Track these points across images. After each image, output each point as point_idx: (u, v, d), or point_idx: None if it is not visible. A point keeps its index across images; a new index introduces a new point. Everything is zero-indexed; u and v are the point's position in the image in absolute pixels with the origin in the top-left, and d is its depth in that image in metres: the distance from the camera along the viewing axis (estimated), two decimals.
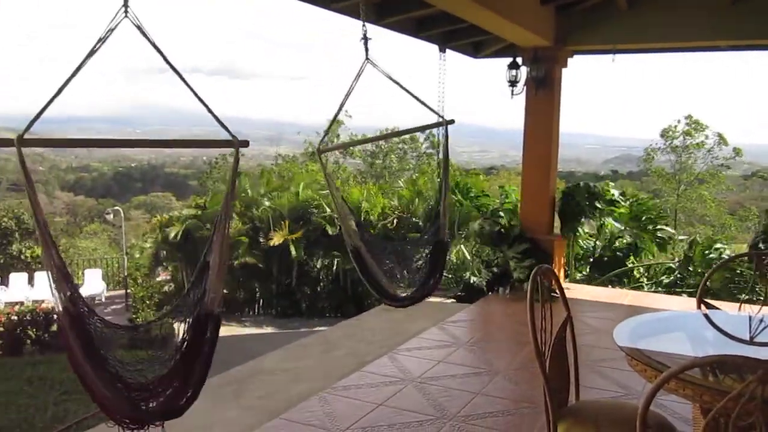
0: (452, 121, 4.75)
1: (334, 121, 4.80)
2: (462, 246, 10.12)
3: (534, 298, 2.86)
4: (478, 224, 8.34)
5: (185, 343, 2.71)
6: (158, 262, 20.82)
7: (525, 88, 8.13)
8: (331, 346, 6.03)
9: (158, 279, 21.62)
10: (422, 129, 5.65)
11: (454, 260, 10.69)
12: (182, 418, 4.33)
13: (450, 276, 9.45)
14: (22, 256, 21.91)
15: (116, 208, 26.28)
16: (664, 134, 34.25)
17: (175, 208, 19.41)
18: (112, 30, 2.62)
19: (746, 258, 6.70)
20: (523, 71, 8.12)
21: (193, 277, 2.80)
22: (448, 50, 8.28)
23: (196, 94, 2.78)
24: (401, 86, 4.58)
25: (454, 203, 10.84)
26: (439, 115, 4.75)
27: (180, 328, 2.71)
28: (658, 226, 9.39)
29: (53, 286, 2.48)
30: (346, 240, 4.51)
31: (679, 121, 34.11)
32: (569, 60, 8.23)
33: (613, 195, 9.28)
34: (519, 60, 8.14)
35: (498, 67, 8.59)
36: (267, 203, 18.54)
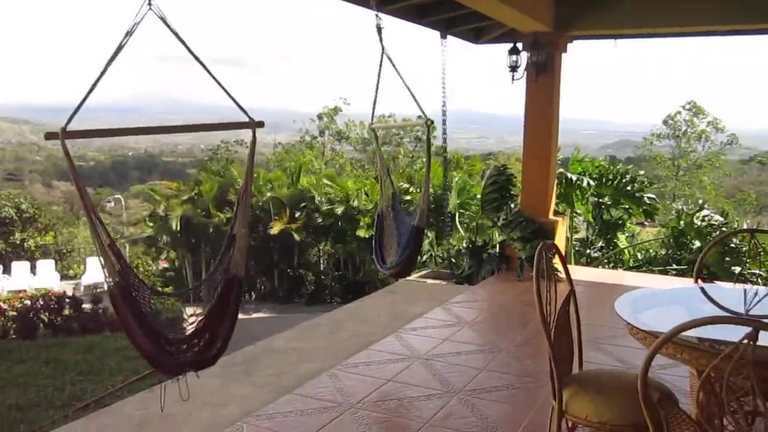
0: (432, 122, 5.03)
1: (375, 104, 5.11)
2: (461, 231, 10.29)
3: (539, 273, 3.00)
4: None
5: (215, 304, 3.16)
6: (157, 250, 21.00)
7: (525, 73, 8.24)
8: (337, 327, 6.17)
9: (160, 266, 21.84)
10: (406, 126, 5.99)
11: (454, 244, 10.87)
12: (197, 394, 4.51)
13: (450, 260, 9.62)
14: (25, 245, 22.05)
15: (117, 196, 26.39)
16: (667, 120, 34.42)
17: (172, 197, 19.52)
18: (137, 24, 2.75)
19: (740, 235, 6.86)
20: (524, 57, 8.23)
21: (223, 247, 3.16)
22: (449, 36, 8.40)
23: (219, 84, 2.95)
24: (404, 82, 4.75)
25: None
26: (425, 114, 4.99)
27: (211, 293, 3.12)
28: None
29: (103, 262, 2.75)
30: (379, 204, 5.02)
31: (683, 107, 34.28)
32: (569, 45, 8.33)
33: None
34: (519, 45, 8.24)
35: (498, 52, 8.71)
36: (269, 193, 18.66)
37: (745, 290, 3.32)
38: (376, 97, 5.01)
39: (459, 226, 11.57)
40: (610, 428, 2.80)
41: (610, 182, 9.56)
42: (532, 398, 4.39)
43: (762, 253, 5.59)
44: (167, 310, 12.85)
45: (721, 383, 2.43)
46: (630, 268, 9.57)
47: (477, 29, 8.74)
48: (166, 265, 21.78)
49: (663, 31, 8.24)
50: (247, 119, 3.05)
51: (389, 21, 7.42)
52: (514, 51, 8.25)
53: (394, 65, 4.60)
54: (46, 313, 11.45)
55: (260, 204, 18.52)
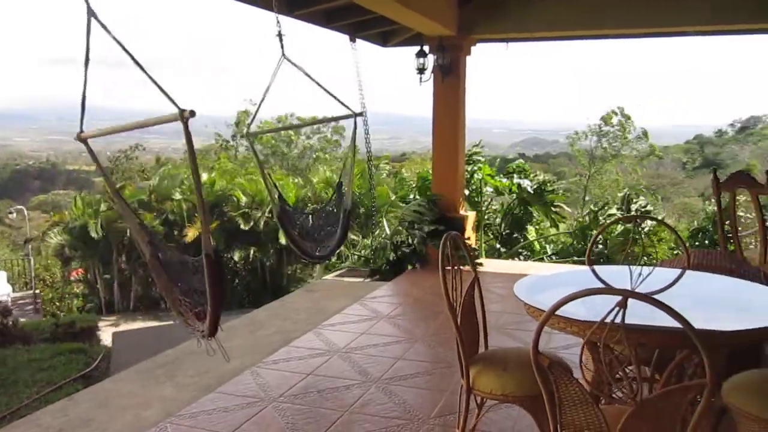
0: (362, 114, 5.20)
1: (258, 111, 5.14)
2: (384, 226, 10.53)
3: (446, 261, 3.25)
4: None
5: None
6: (64, 261, 20.21)
7: (432, 75, 8.57)
8: (257, 326, 6.28)
9: (71, 279, 21.03)
10: (334, 120, 6.11)
11: (369, 243, 11.10)
12: (119, 397, 4.54)
13: (370, 257, 9.84)
14: None
15: (19, 207, 25.22)
16: (605, 119, 35.93)
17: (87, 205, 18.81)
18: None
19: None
20: (430, 59, 8.55)
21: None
22: (358, 40, 8.61)
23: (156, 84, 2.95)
24: (316, 82, 4.88)
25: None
26: (348, 108, 5.15)
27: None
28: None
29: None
30: (273, 208, 5.21)
31: (614, 112, 35.92)
32: (473, 48, 8.72)
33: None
34: (426, 48, 8.57)
35: (407, 55, 9.01)
36: (179, 196, 18.31)
37: (630, 270, 3.67)
38: (259, 106, 5.08)
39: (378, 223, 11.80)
40: (512, 399, 3.08)
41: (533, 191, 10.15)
42: (447, 382, 4.66)
43: (648, 237, 6.08)
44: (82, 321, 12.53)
45: (605, 351, 2.73)
46: (541, 260, 10.10)
47: (385, 33, 9.01)
48: (77, 277, 21.01)
49: (552, 35, 8.71)
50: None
51: (299, 25, 7.58)
52: (420, 54, 8.57)
53: (307, 73, 4.71)
54: None
55: (173, 210, 18.18)
